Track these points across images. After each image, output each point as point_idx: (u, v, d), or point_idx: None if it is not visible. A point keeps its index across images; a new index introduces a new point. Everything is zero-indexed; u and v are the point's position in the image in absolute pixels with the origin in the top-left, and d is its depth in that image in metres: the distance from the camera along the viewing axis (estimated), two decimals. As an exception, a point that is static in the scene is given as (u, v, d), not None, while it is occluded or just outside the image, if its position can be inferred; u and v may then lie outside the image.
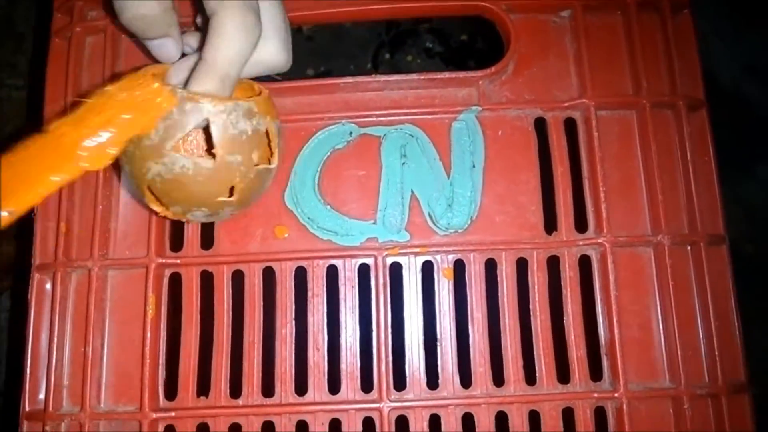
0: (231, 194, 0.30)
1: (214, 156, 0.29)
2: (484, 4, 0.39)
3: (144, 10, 0.30)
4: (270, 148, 0.31)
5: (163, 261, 0.36)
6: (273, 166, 0.32)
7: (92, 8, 0.40)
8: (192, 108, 0.28)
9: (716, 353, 0.35)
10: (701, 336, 0.36)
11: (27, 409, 0.36)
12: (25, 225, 0.38)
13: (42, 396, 0.36)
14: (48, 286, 0.37)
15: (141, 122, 0.28)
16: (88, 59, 0.40)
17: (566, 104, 0.38)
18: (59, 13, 0.40)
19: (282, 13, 0.33)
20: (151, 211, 0.36)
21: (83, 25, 0.39)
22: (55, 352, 0.36)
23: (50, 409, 0.35)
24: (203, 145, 0.34)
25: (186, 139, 0.34)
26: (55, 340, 0.36)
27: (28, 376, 0.36)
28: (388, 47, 0.93)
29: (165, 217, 0.33)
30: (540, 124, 0.38)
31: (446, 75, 0.38)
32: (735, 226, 0.37)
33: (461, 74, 0.38)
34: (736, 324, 0.36)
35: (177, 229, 0.37)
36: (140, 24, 0.31)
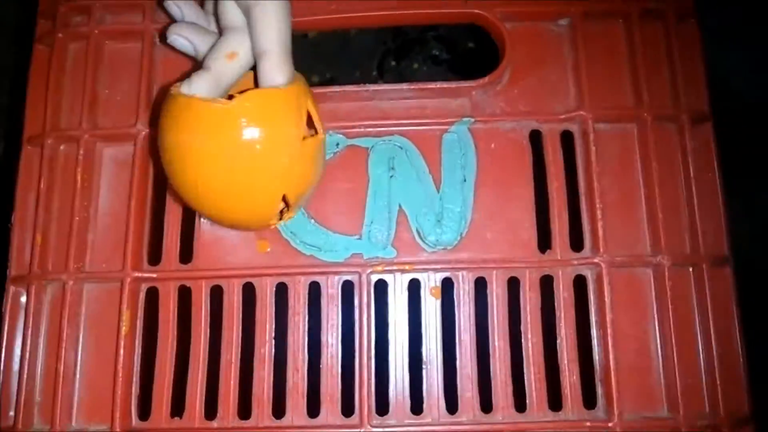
0: None
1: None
2: (477, 11, 0.37)
3: None
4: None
5: (140, 275, 0.35)
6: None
7: (76, 14, 0.39)
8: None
9: (718, 382, 0.33)
10: (702, 363, 0.34)
11: (-3, 426, 0.35)
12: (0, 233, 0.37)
13: (12, 413, 0.34)
14: (23, 298, 0.36)
15: None
16: (71, 66, 0.39)
17: (563, 116, 0.36)
18: (42, 18, 0.39)
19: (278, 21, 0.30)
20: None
21: (66, 32, 0.38)
22: (27, 368, 0.34)
23: (20, 426, 0.34)
24: None
25: None
26: (28, 355, 0.35)
27: (-1, 391, 0.35)
28: (393, 55, 0.92)
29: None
30: (535, 137, 0.36)
31: (437, 85, 0.36)
32: (747, 239, 0.35)
33: (453, 84, 0.36)
34: (740, 351, 0.34)
35: (156, 241, 0.36)
36: None
